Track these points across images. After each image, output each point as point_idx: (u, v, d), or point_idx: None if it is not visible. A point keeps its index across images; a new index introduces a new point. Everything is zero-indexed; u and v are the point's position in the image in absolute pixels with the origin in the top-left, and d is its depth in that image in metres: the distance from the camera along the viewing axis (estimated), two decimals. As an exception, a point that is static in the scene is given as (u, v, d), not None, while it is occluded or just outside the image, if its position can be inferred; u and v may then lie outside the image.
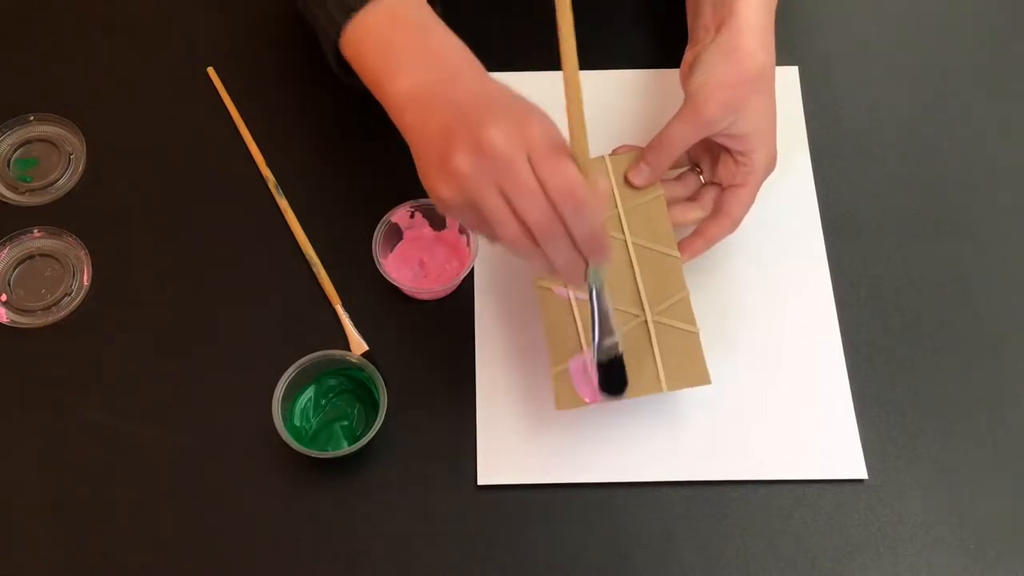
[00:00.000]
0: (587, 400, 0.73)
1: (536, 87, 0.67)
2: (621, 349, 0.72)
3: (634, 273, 0.76)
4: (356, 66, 0.72)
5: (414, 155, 0.68)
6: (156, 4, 0.95)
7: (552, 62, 0.63)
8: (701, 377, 0.74)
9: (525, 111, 0.64)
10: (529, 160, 0.62)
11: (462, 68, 0.69)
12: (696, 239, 0.78)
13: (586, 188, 0.62)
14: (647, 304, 0.75)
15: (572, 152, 0.63)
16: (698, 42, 0.79)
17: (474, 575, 0.74)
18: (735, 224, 0.78)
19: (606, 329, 0.71)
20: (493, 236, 0.65)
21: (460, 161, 0.62)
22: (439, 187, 0.65)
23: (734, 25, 0.76)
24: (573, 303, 0.75)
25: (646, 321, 0.75)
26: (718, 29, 0.77)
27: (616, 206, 0.78)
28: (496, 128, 0.62)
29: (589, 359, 0.73)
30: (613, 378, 0.73)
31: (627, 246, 0.77)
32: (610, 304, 0.71)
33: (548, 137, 0.63)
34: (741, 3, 0.76)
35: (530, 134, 0.62)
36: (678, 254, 0.77)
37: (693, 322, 0.75)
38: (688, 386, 0.74)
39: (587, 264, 0.65)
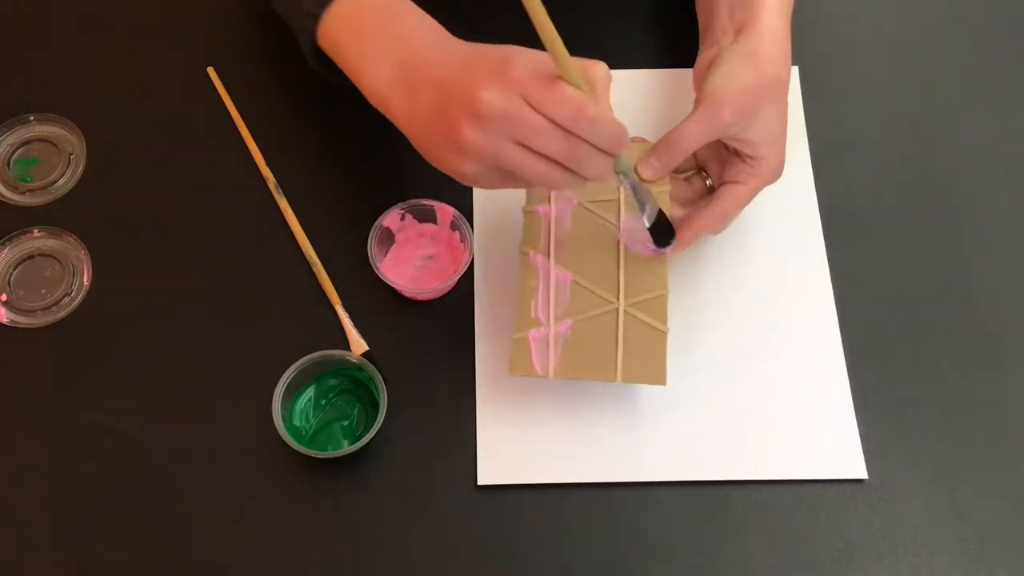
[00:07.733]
0: (539, 371, 0.74)
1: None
2: (658, 206, 0.75)
3: (618, 261, 0.76)
4: (337, 62, 0.74)
5: (414, 143, 0.69)
6: (156, 4, 0.95)
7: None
8: (658, 376, 0.74)
9: (502, 59, 0.65)
10: (528, 101, 0.63)
11: (429, 43, 0.70)
12: (683, 230, 0.77)
13: (589, 101, 0.63)
14: (623, 293, 0.75)
15: (560, 71, 0.64)
16: (715, 43, 0.79)
17: (474, 575, 0.74)
18: (723, 218, 0.77)
19: (642, 199, 0.74)
20: (527, 184, 0.67)
21: (467, 135, 0.64)
22: (459, 164, 0.66)
23: (755, 30, 0.76)
24: (551, 278, 0.75)
25: (617, 309, 0.75)
26: (738, 32, 0.77)
27: (618, 190, 0.77)
28: (485, 90, 0.63)
29: (550, 334, 0.74)
30: (663, 233, 0.76)
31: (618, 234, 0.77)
32: (636, 177, 0.73)
33: (534, 72, 0.64)
34: (763, 8, 0.76)
35: (517, 78, 0.64)
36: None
37: (664, 322, 0.75)
38: (643, 382, 0.74)
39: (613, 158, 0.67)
